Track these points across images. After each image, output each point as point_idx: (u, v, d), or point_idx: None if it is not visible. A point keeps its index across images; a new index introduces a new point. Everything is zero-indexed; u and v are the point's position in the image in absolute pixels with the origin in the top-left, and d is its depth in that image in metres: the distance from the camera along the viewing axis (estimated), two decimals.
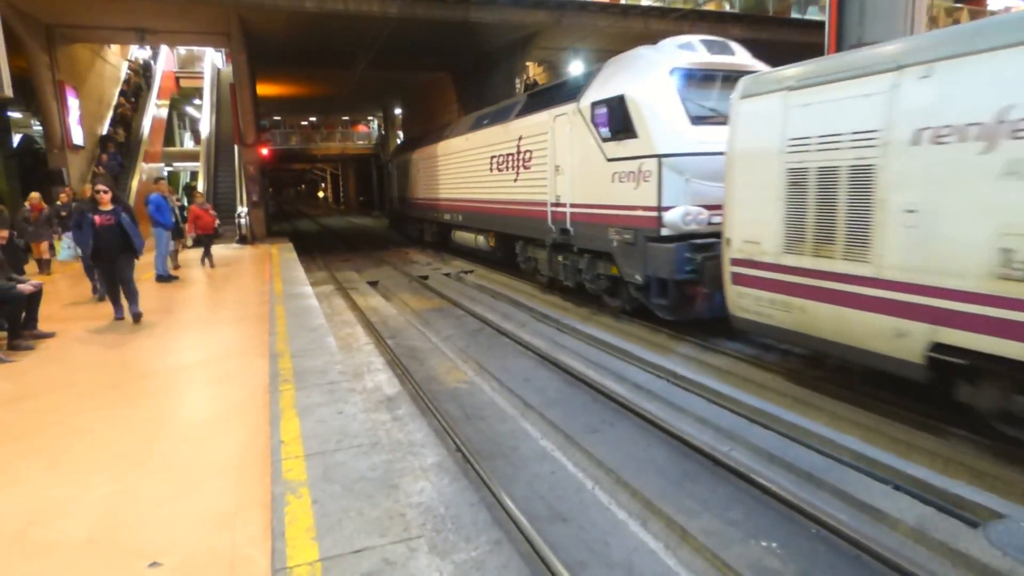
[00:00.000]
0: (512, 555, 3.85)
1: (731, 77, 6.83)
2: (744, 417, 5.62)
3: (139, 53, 24.77)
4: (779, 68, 6.13)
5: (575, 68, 22.02)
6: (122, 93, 22.29)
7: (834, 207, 5.34)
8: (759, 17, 20.83)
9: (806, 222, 5.60)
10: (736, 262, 6.44)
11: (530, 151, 11.20)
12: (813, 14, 21.54)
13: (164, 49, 25.88)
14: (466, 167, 14.75)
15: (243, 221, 18.01)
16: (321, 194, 77.80)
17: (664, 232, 7.85)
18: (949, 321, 4.53)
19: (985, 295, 4.28)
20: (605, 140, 8.83)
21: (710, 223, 7.64)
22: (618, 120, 8.50)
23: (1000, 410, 4.58)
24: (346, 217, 44.12)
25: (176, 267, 12.46)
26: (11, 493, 3.61)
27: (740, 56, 8.69)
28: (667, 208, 7.79)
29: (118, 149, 19.55)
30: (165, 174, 25.61)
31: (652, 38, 20.48)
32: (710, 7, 20.79)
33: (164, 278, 11.13)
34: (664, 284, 8.00)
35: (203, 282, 11.42)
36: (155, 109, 23.44)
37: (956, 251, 4.46)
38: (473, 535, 4.07)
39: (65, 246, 9.61)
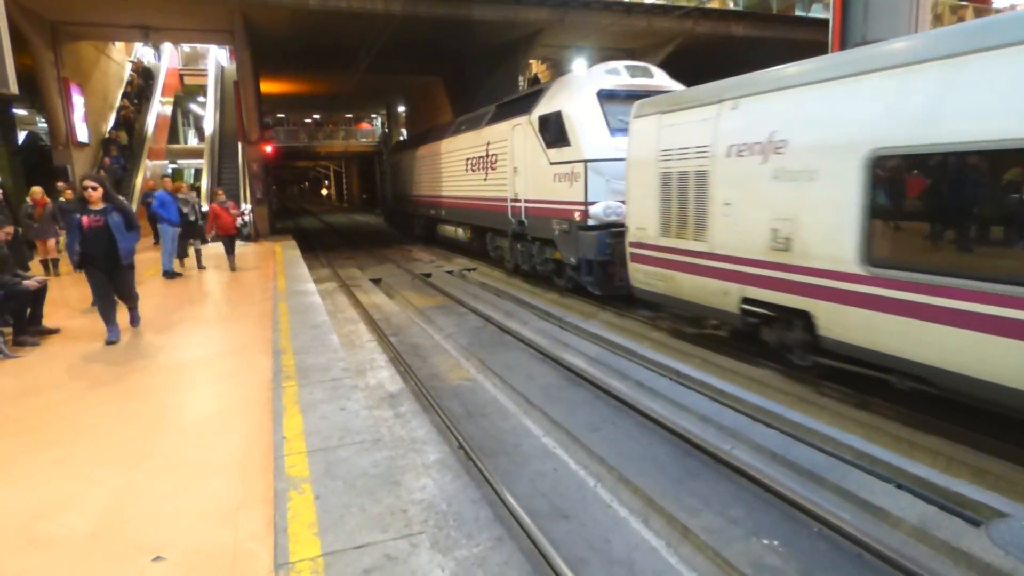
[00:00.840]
0: (514, 552, 3.86)
1: (648, 96, 8.27)
2: (747, 415, 5.61)
3: (143, 50, 24.72)
4: (658, 96, 8.01)
5: (578, 66, 21.98)
6: (125, 95, 22.14)
7: (686, 201, 7.18)
8: (762, 15, 20.79)
9: (672, 212, 7.45)
10: (632, 244, 8.29)
11: (496, 155, 13.00)
12: (817, 12, 21.46)
13: (168, 46, 25.93)
14: (447, 168, 16.54)
15: (247, 218, 18.05)
16: (324, 192, 77.87)
17: (591, 222, 9.62)
18: (750, 281, 6.40)
19: (766, 261, 6.13)
20: (548, 147, 10.66)
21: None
22: (557, 131, 10.34)
23: (780, 342, 6.38)
24: (349, 215, 44.17)
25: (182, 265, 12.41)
26: (16, 487, 3.63)
27: (658, 79, 10.54)
28: (592, 203, 9.61)
29: (120, 152, 19.42)
30: (169, 171, 25.64)
31: (656, 35, 20.48)
32: (713, 4, 20.72)
33: (170, 274, 11.16)
34: (591, 264, 9.76)
35: (208, 279, 11.45)
36: (159, 106, 23.49)
37: (751, 231, 6.28)
38: (475, 532, 4.08)
39: None
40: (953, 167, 4.62)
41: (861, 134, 5.10)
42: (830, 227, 5.41)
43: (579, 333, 8.71)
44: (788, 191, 5.80)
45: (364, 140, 48.49)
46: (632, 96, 9.42)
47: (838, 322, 5.48)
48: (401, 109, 38.30)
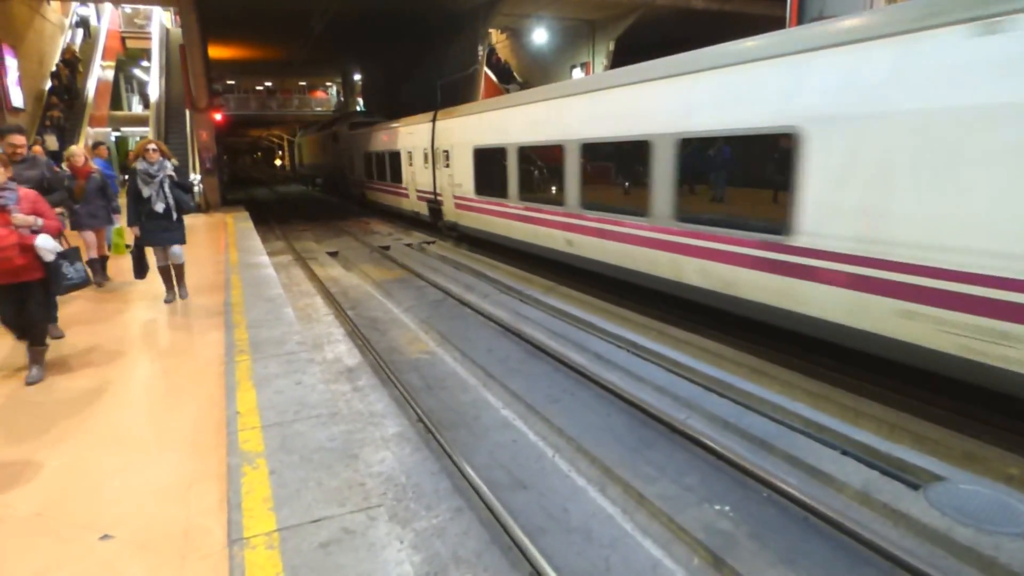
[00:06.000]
0: (473, 522, 3.88)
1: (371, 124, 21.40)
2: (701, 386, 5.74)
3: (82, 9, 22.90)
4: (360, 124, 23.40)
5: (538, 36, 21.77)
6: (52, 91, 19.21)
7: (372, 165, 20.73)
8: None
9: (370, 169, 20.91)
10: (350, 180, 24.56)
11: (329, 143, 27.84)
12: None
13: (108, 7, 24.53)
14: (319, 147, 31.97)
15: (196, 189, 17.39)
16: (278, 162, 75.61)
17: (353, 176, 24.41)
18: (367, 188, 22.10)
19: (377, 184, 20.72)
20: (336, 143, 26.38)
21: None
22: (337, 138, 26.05)
23: (366, 202, 22.79)
24: (304, 185, 43.02)
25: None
26: None
27: (376, 119, 22.62)
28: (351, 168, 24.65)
29: (49, 159, 16.62)
30: (113, 139, 24.42)
31: (617, 7, 20.26)
32: None
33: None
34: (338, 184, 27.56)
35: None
36: (100, 71, 22.22)
37: (379, 175, 20.26)
38: (434, 503, 4.09)
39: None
40: (381, 157, 19.26)
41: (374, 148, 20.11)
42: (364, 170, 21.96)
43: (539, 306, 8.74)
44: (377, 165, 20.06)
45: (319, 109, 47.20)
46: (367, 125, 21.33)
47: (373, 199, 21.14)
48: (357, 77, 37.37)
